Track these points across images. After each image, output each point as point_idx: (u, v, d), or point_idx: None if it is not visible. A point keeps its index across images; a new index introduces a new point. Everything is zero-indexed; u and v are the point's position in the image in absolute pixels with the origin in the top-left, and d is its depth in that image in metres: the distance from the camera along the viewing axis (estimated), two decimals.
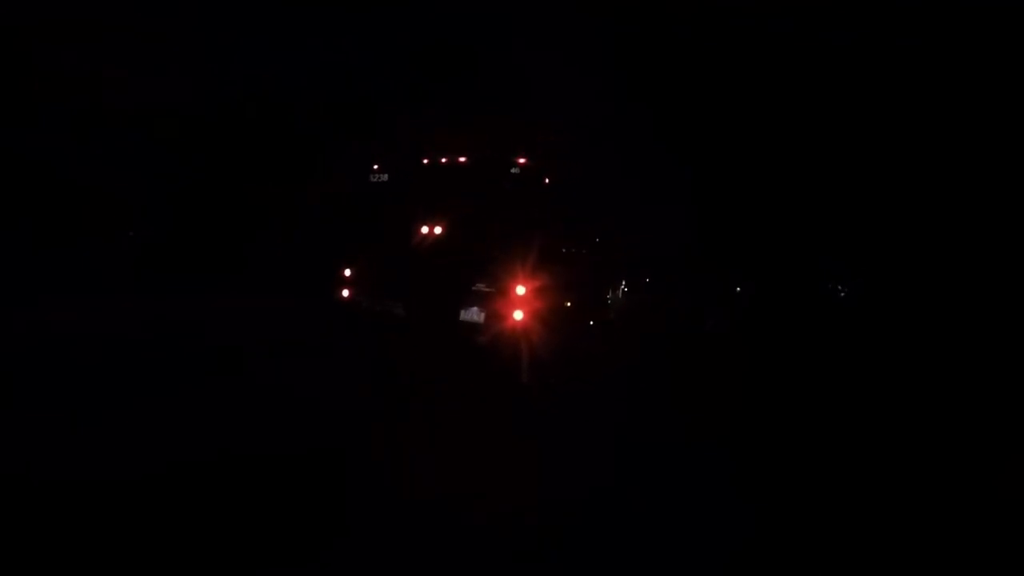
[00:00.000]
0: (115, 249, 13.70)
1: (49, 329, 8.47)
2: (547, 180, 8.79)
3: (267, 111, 16.52)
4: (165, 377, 6.68)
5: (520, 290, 8.31)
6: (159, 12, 14.16)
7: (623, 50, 17.59)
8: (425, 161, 8.76)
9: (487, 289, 8.45)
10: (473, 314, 8.46)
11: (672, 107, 19.90)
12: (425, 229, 8.52)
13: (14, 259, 11.47)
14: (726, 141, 20.93)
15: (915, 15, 14.89)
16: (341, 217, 10.40)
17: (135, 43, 14.01)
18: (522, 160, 8.52)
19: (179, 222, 15.38)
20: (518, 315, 8.31)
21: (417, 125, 14.90)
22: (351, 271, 8.84)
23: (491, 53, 16.70)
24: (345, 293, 8.81)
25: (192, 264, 14.27)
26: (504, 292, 8.33)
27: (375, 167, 8.90)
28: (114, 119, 14.17)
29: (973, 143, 16.94)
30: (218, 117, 15.78)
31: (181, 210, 15.42)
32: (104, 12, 13.44)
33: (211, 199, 15.75)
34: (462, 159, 8.62)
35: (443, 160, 8.67)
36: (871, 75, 17.23)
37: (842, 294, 26.07)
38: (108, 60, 13.77)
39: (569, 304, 10.72)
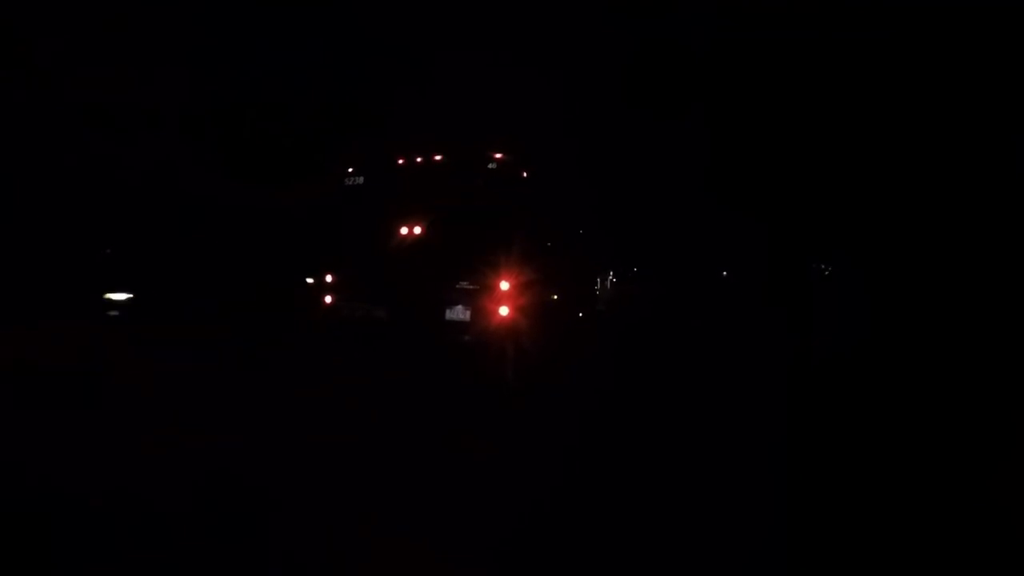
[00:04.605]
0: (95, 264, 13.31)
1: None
2: (525, 173, 8.55)
3: (267, 111, 16.35)
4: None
5: (505, 285, 8.10)
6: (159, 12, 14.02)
7: (617, 49, 17.52)
8: (401, 161, 8.52)
9: (471, 286, 8.23)
10: (458, 312, 8.24)
11: (661, 100, 19.82)
12: (405, 229, 8.28)
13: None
14: (717, 136, 20.85)
15: (889, 13, 14.85)
16: (321, 221, 10.19)
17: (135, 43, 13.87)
18: (498, 155, 8.29)
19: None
20: (504, 311, 8.10)
21: (413, 123, 14.75)
22: (332, 276, 8.59)
23: (486, 51, 16.57)
24: (328, 299, 8.57)
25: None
26: (489, 288, 8.11)
27: (350, 170, 8.66)
28: (114, 119, 14.02)
29: (956, 137, 16.83)
30: (217, 117, 15.62)
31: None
32: (103, 12, 13.27)
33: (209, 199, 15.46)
34: (438, 157, 8.38)
35: (419, 159, 8.43)
36: (860, 72, 17.17)
37: (826, 273, 26.04)
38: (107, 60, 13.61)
39: (556, 297, 10.51)
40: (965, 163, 16.65)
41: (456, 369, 8.09)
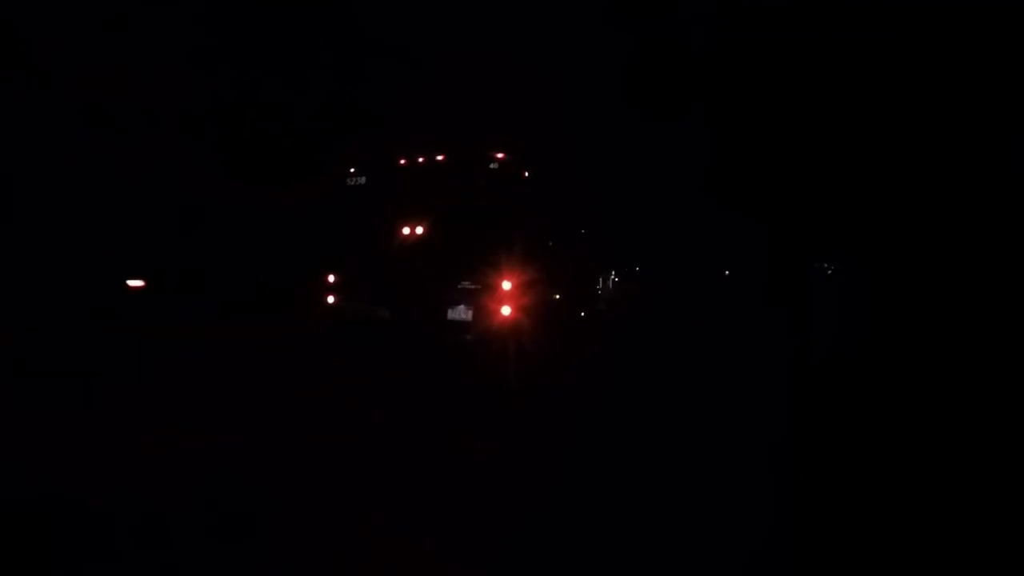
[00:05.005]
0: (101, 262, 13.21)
1: None
2: (525, 173, 8.55)
3: (266, 111, 16.33)
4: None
5: (506, 285, 8.09)
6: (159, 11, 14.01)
7: (617, 49, 17.53)
8: (402, 161, 8.51)
9: (473, 286, 8.22)
10: (460, 312, 8.24)
11: (661, 100, 19.83)
12: (407, 229, 8.28)
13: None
14: (717, 136, 20.84)
15: (884, 12, 14.86)
16: (321, 221, 10.20)
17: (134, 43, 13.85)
18: (500, 155, 8.29)
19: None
20: (506, 310, 8.09)
21: (413, 123, 14.74)
22: (335, 276, 8.59)
23: (486, 51, 16.57)
24: (331, 299, 8.57)
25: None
26: (490, 288, 8.11)
27: (351, 170, 8.66)
28: (114, 119, 14.00)
29: (956, 137, 16.81)
30: (217, 117, 15.60)
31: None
32: (103, 12, 13.26)
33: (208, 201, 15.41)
34: (439, 157, 8.38)
35: (420, 159, 8.42)
36: (860, 72, 17.16)
37: (828, 272, 26.04)
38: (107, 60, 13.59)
39: (558, 296, 10.51)
40: (965, 163, 16.62)
41: (456, 369, 8.09)
